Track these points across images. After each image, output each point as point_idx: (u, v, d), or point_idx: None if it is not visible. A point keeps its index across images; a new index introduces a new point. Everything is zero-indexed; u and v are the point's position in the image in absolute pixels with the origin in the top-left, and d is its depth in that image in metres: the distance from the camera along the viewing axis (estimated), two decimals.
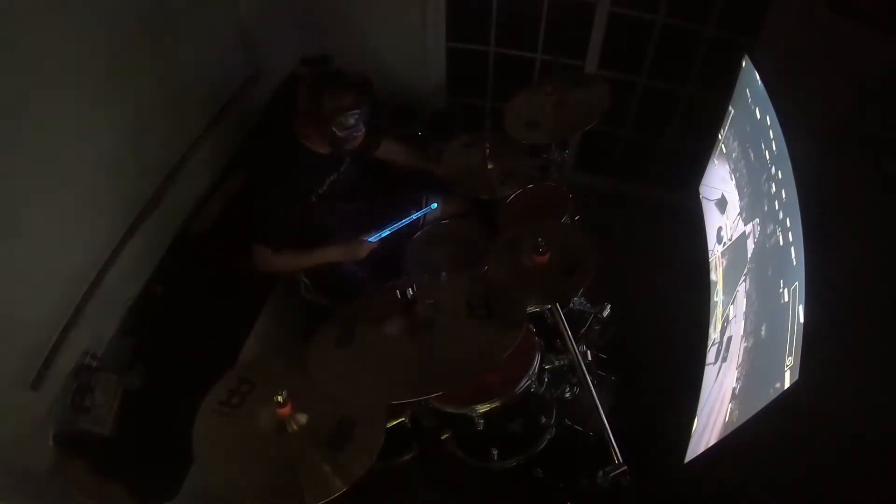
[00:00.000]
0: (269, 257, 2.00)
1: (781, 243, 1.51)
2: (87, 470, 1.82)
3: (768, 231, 1.63)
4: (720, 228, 2.16)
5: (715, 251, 2.17)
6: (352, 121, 1.92)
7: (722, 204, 2.17)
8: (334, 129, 1.92)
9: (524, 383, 1.70)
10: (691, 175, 2.55)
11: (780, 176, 1.56)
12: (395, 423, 1.71)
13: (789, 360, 1.28)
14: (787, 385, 1.25)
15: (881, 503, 1.32)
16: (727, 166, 2.12)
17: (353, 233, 2.10)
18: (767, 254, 1.62)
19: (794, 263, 1.38)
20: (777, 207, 1.58)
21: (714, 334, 1.98)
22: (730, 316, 1.86)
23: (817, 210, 1.36)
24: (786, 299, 1.38)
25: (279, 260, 2.03)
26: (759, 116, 1.78)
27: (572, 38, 2.70)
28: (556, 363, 1.81)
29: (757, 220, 1.76)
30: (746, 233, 1.85)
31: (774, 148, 1.62)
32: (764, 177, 1.72)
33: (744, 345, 1.66)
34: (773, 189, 1.62)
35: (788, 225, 1.46)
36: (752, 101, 1.86)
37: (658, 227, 2.75)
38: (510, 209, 2.20)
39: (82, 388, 1.85)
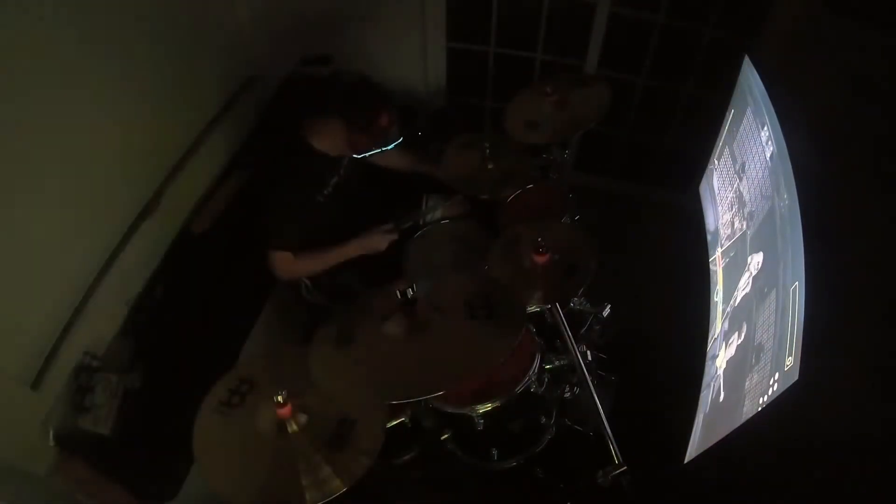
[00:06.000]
0: (291, 262, 2.00)
1: (779, 244, 1.51)
2: (87, 470, 1.82)
3: (767, 232, 1.63)
4: (720, 228, 2.16)
5: (715, 251, 2.17)
6: (390, 135, 2.00)
7: (722, 204, 2.17)
8: (378, 148, 1.97)
9: (524, 383, 1.70)
10: (691, 175, 2.55)
11: (778, 177, 1.56)
12: (395, 423, 1.71)
13: (789, 361, 1.28)
14: (787, 385, 1.25)
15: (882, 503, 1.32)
16: (727, 166, 2.12)
17: (359, 232, 2.10)
18: (766, 254, 1.62)
19: (793, 264, 1.38)
20: (775, 208, 1.58)
21: (714, 334, 1.98)
22: (730, 316, 1.86)
23: (817, 210, 1.35)
24: (785, 299, 1.38)
25: (301, 263, 2.03)
26: (758, 116, 1.78)
27: (572, 38, 2.70)
28: (556, 363, 1.81)
29: (756, 220, 1.76)
30: (746, 233, 1.85)
31: (774, 148, 1.62)
32: (762, 177, 1.72)
33: (744, 344, 1.66)
34: (772, 190, 1.62)
35: (787, 226, 1.46)
36: (752, 101, 1.86)
37: (658, 227, 2.75)
38: (510, 209, 2.20)
39: (82, 388, 1.85)
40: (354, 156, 2.05)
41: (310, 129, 2.00)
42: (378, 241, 2.09)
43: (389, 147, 2.03)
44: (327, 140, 2.00)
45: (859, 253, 1.41)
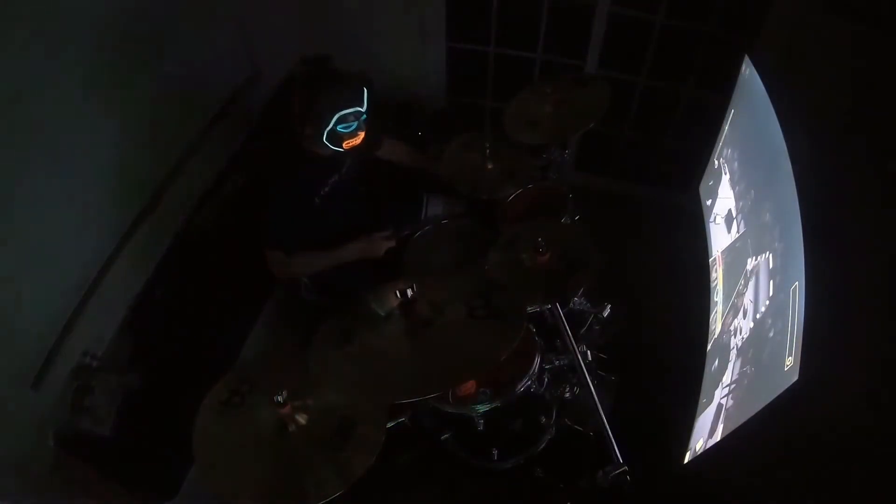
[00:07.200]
0: (285, 261, 1.99)
1: (779, 244, 1.51)
2: (87, 470, 1.82)
3: (766, 231, 1.63)
4: (720, 228, 2.16)
5: (715, 251, 2.17)
6: (350, 118, 1.87)
7: (722, 204, 2.17)
8: (331, 128, 1.87)
9: (524, 383, 1.70)
10: (691, 175, 2.55)
11: (778, 177, 1.56)
12: (395, 423, 1.71)
13: (789, 361, 1.28)
14: (787, 385, 1.25)
15: (882, 503, 1.32)
16: (727, 167, 2.12)
17: (357, 233, 2.10)
18: (765, 258, 1.62)
19: (792, 264, 1.38)
20: (775, 209, 1.58)
21: (714, 334, 1.98)
22: (729, 316, 1.86)
23: (817, 210, 1.36)
24: (784, 300, 1.38)
25: (295, 263, 2.02)
26: (758, 116, 1.77)
27: (572, 38, 2.70)
28: (556, 363, 1.81)
29: (756, 220, 1.76)
30: (746, 233, 1.85)
31: (774, 148, 1.62)
32: (763, 177, 1.72)
33: (743, 345, 1.67)
34: (772, 190, 1.62)
35: (786, 226, 1.46)
36: (752, 102, 1.86)
37: (658, 227, 2.75)
38: (510, 209, 2.20)
39: (82, 388, 1.85)
40: (334, 153, 1.99)
41: (297, 130, 1.99)
42: (375, 247, 2.09)
43: (352, 131, 1.89)
44: (310, 139, 1.99)
45: (859, 253, 1.41)
